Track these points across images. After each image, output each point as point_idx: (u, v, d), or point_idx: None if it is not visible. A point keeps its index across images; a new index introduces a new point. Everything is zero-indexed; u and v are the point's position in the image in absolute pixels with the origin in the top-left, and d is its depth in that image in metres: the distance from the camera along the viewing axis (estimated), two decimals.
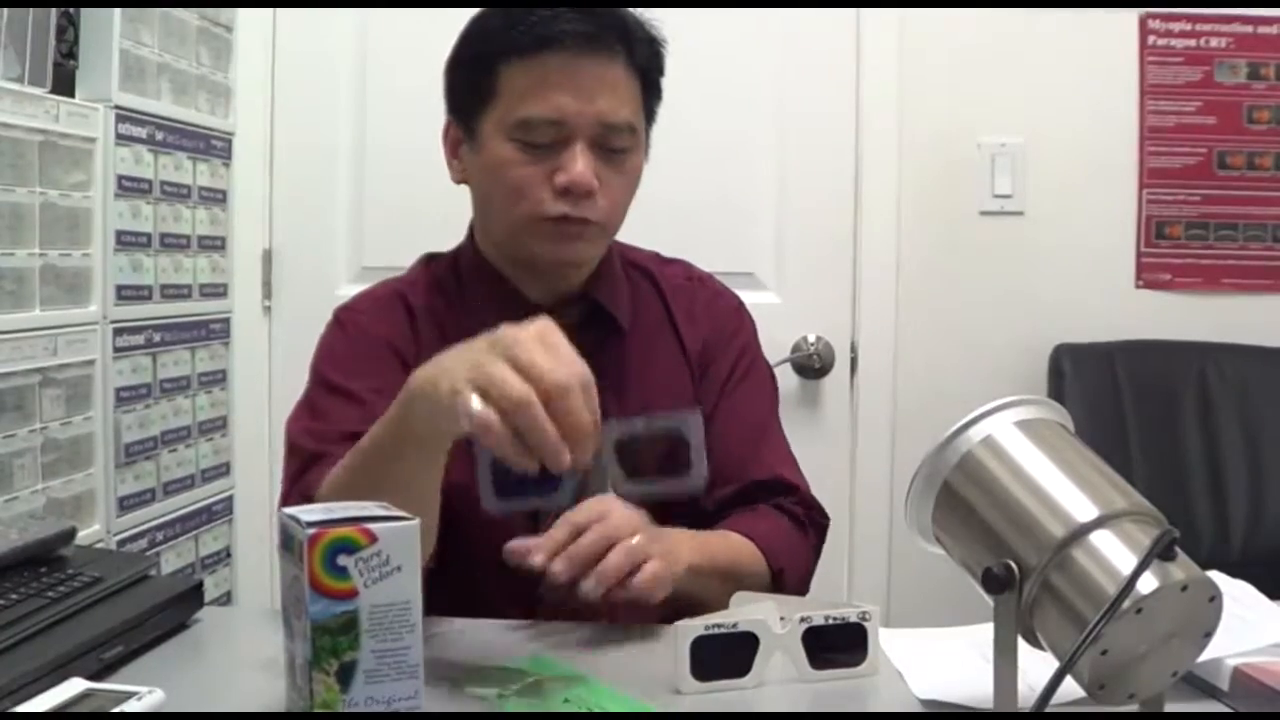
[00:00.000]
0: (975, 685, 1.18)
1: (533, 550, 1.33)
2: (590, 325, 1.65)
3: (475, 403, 1.12)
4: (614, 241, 1.72)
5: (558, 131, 1.54)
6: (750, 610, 1.28)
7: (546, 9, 1.54)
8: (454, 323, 1.65)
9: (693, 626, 1.22)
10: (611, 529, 1.35)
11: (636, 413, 1.64)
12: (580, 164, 1.54)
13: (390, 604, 1.07)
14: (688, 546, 1.46)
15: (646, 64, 1.61)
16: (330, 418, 1.57)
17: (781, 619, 1.26)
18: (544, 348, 1.16)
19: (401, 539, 1.08)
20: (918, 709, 1.20)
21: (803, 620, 1.26)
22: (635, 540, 1.35)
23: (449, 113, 1.66)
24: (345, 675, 1.06)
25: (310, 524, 1.06)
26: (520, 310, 1.62)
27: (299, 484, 1.51)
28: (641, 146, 1.63)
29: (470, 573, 1.48)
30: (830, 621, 1.27)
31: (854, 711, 1.21)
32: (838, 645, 1.27)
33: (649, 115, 1.64)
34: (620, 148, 1.58)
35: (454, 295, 1.69)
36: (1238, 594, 1.33)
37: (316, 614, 1.05)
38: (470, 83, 1.60)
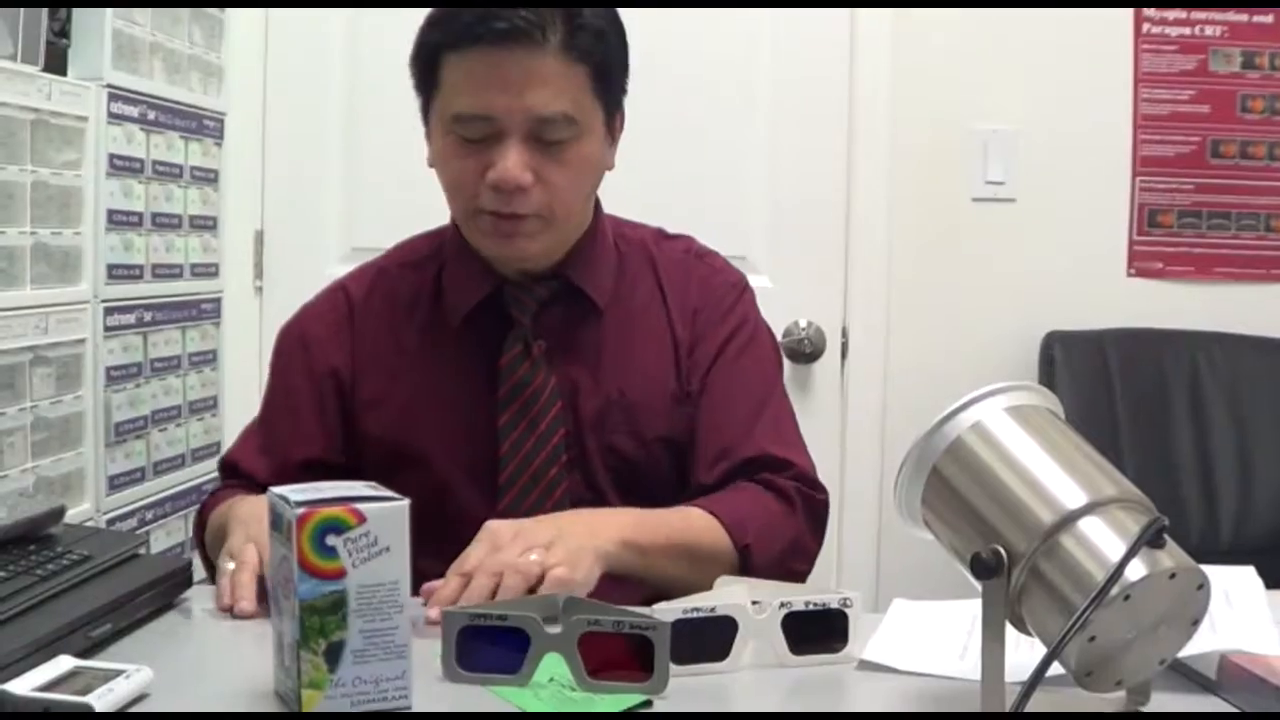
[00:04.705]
0: (923, 653, 1.23)
1: (429, 603, 1.34)
2: (562, 302, 1.65)
3: None
4: (609, 217, 1.71)
5: (489, 126, 1.53)
6: (728, 594, 1.28)
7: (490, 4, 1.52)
8: (410, 299, 1.70)
9: (670, 610, 1.21)
10: (498, 563, 1.36)
11: (612, 391, 1.65)
12: (509, 160, 1.52)
13: (378, 584, 1.07)
14: (617, 524, 1.48)
15: (591, 50, 1.55)
16: (248, 453, 1.73)
17: (761, 603, 1.25)
18: None
19: (390, 519, 1.08)
20: (899, 696, 1.20)
21: (783, 606, 1.26)
22: (531, 558, 1.36)
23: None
24: (333, 655, 1.07)
25: (299, 503, 1.06)
26: (491, 285, 1.64)
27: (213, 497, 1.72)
28: (591, 134, 1.58)
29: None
30: (811, 607, 1.27)
31: (839, 712, 1.21)
32: (818, 631, 1.27)
33: (609, 101, 1.60)
34: (557, 139, 1.55)
35: (432, 272, 1.70)
36: (1234, 588, 1.32)
37: (305, 593, 1.06)
38: (420, 72, 1.61)
